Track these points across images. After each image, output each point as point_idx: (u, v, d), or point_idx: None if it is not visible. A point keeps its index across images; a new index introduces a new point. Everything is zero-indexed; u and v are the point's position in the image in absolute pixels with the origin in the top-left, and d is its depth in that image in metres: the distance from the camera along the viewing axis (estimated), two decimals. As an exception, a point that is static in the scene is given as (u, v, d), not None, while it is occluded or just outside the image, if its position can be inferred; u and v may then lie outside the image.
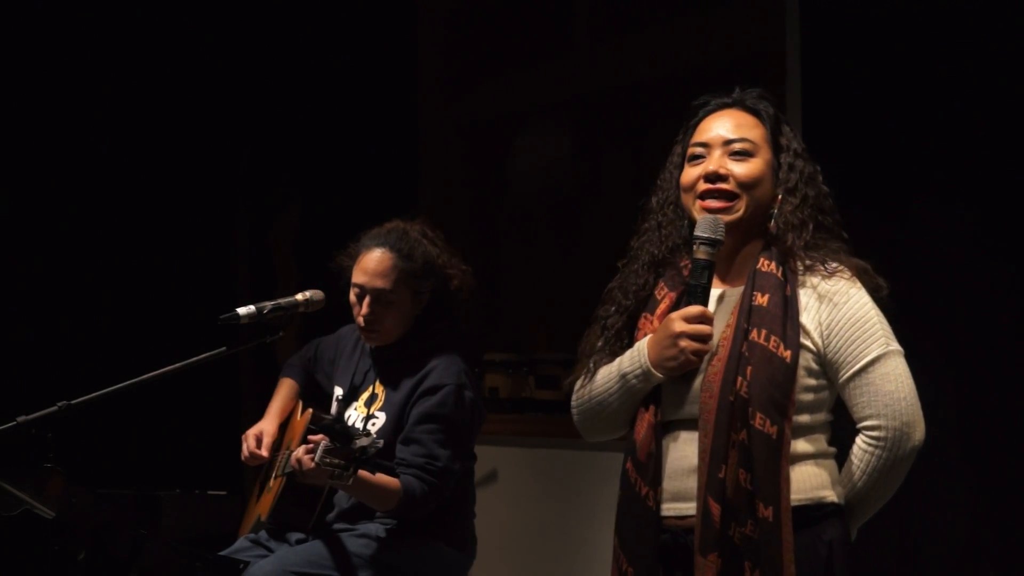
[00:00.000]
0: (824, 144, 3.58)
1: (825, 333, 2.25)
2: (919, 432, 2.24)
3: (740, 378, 2.19)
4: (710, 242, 2.23)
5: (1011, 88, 3.16)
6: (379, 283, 3.14)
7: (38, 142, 5.05)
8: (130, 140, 5.25)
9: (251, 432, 3.29)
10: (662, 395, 2.29)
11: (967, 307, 3.25)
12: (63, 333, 5.03)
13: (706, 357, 2.23)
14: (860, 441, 2.27)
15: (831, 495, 2.27)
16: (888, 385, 2.23)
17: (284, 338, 3.03)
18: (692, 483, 2.23)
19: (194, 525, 3.59)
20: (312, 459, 2.77)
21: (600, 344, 2.39)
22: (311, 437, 2.88)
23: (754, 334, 2.21)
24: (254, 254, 5.75)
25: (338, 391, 3.34)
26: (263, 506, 3.30)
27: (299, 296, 3.05)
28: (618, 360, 2.34)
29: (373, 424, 3.18)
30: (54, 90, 5.07)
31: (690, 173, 2.33)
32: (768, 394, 2.17)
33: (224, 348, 2.93)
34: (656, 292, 2.36)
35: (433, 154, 5.15)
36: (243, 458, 3.27)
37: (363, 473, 2.87)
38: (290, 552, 3.13)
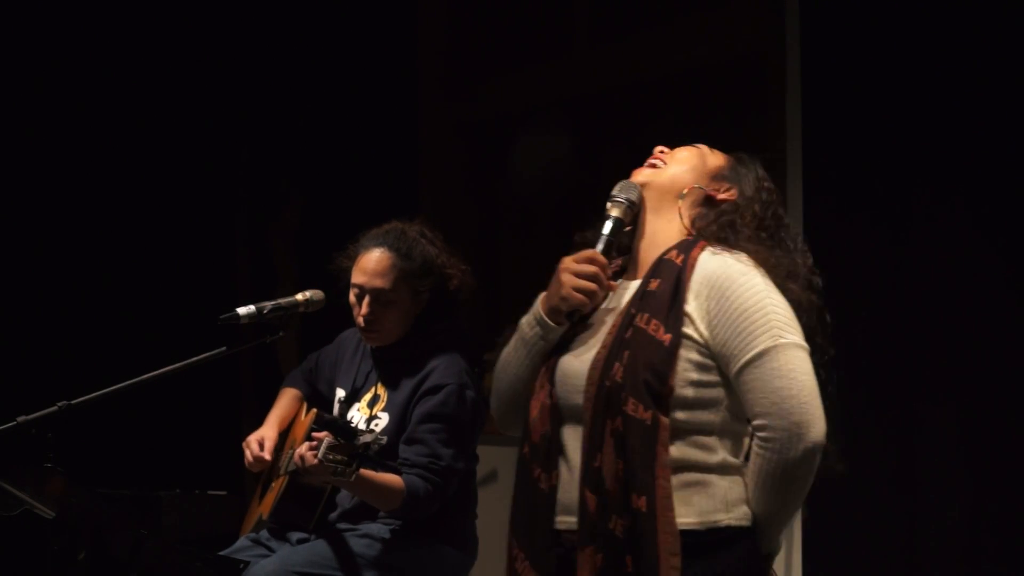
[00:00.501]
0: (824, 144, 3.59)
1: (713, 323, 2.09)
2: (814, 433, 2.03)
3: (617, 363, 2.07)
4: (621, 200, 2.23)
5: (1012, 87, 3.16)
6: (378, 283, 3.14)
7: (38, 143, 5.05)
8: (130, 140, 5.25)
9: (252, 438, 3.28)
10: (555, 377, 2.18)
11: (967, 306, 3.24)
12: (63, 333, 5.03)
13: (595, 342, 2.15)
14: (753, 445, 2.09)
15: (727, 518, 2.08)
16: (777, 381, 2.04)
17: (284, 338, 3.03)
18: None
19: (194, 525, 3.59)
20: (315, 455, 2.77)
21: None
22: (315, 435, 2.88)
23: (639, 319, 2.10)
24: (254, 254, 5.75)
25: (340, 393, 3.34)
26: (265, 505, 3.30)
27: (299, 296, 3.05)
28: (520, 324, 2.30)
29: (376, 425, 3.18)
30: (54, 90, 5.07)
31: None
32: (642, 379, 2.04)
33: (224, 348, 2.93)
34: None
35: (433, 154, 5.15)
36: (247, 464, 3.27)
37: (366, 472, 2.87)
38: (291, 552, 3.12)
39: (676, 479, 2.05)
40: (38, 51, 5.02)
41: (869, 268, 3.45)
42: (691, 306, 2.09)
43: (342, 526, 3.17)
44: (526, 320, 2.27)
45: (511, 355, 2.30)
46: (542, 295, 2.26)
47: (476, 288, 3.33)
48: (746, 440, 2.16)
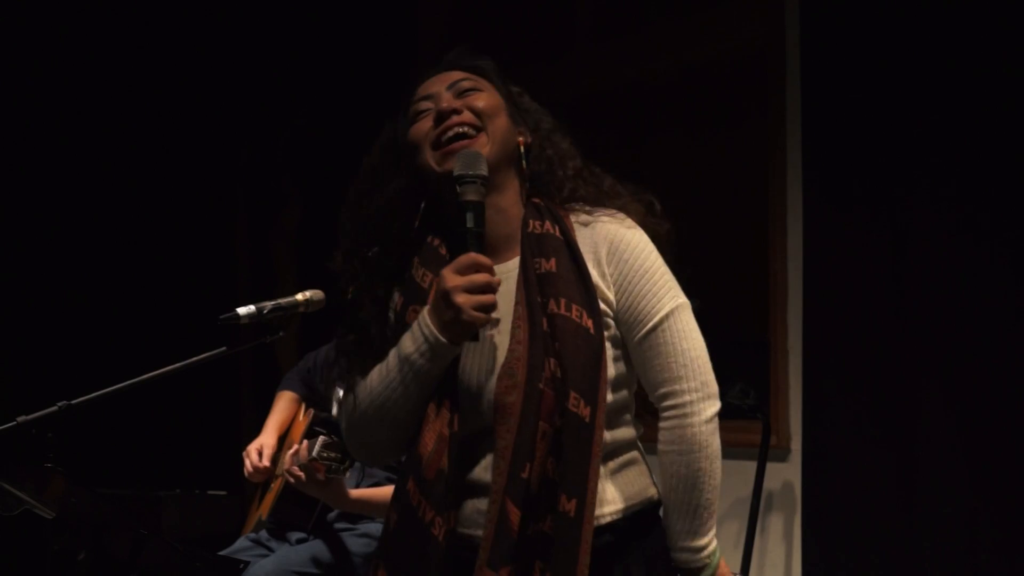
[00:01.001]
0: (824, 143, 3.59)
1: (617, 290, 1.94)
2: (715, 393, 1.94)
3: (551, 359, 1.85)
4: (472, 179, 1.88)
5: (1012, 85, 3.16)
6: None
7: (38, 143, 5.05)
8: (130, 140, 5.25)
9: (251, 447, 3.28)
10: (460, 401, 1.90)
11: (967, 306, 3.24)
12: (63, 333, 5.04)
13: (501, 340, 1.91)
14: (665, 418, 1.93)
15: (654, 491, 2.00)
16: (683, 343, 1.92)
17: (284, 338, 3.03)
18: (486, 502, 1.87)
19: (194, 525, 3.59)
20: (307, 458, 2.78)
21: (356, 358, 2.03)
22: (318, 430, 2.89)
23: (552, 305, 1.88)
24: (254, 254, 5.75)
25: (339, 393, 3.34)
26: (264, 506, 3.30)
27: (299, 296, 3.04)
28: (394, 349, 1.93)
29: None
30: (53, 90, 5.07)
31: (419, 127, 1.98)
32: (583, 372, 1.85)
33: (224, 348, 2.92)
34: (419, 282, 1.97)
35: (433, 154, 5.14)
36: (246, 474, 3.27)
37: (357, 491, 2.89)
38: (291, 551, 3.13)
39: (613, 463, 1.95)
40: (38, 51, 5.02)
41: (869, 267, 3.45)
42: (593, 275, 1.93)
43: (340, 526, 3.17)
44: (414, 349, 1.89)
45: (396, 396, 1.92)
46: (426, 312, 1.90)
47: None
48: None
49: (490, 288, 1.85)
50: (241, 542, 3.28)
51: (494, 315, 1.89)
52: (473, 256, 1.85)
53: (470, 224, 1.87)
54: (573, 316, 1.87)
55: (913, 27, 3.34)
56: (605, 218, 1.98)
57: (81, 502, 2.84)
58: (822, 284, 3.60)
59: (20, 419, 2.68)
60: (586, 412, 1.85)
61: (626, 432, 1.98)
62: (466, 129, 1.95)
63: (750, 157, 3.99)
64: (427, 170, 1.97)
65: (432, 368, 1.89)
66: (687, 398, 1.92)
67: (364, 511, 3.04)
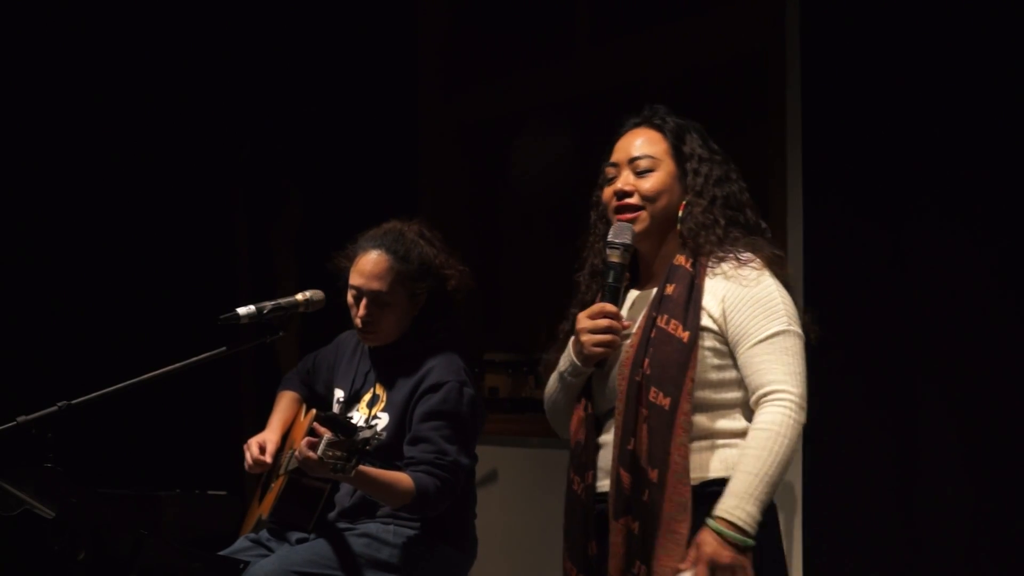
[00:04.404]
0: (824, 144, 3.59)
1: (728, 310, 2.42)
2: (805, 408, 2.36)
3: (646, 359, 2.40)
4: (617, 246, 2.47)
5: (1012, 88, 3.16)
6: (375, 285, 3.14)
7: (39, 143, 5.05)
8: (130, 140, 5.25)
9: (253, 441, 3.28)
10: (593, 389, 2.53)
11: (967, 306, 3.25)
12: (63, 333, 5.04)
13: (624, 345, 2.46)
14: (767, 405, 2.35)
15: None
16: (788, 357, 2.38)
17: (284, 338, 3.03)
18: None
19: (194, 525, 3.58)
20: (315, 454, 2.77)
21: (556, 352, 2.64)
22: (316, 426, 2.88)
23: (660, 320, 2.42)
24: (254, 254, 5.75)
25: (339, 393, 3.34)
26: (264, 505, 3.30)
27: (299, 296, 3.05)
28: (560, 361, 2.59)
29: (376, 425, 3.18)
30: (53, 90, 5.07)
31: (606, 192, 2.59)
32: (664, 371, 2.38)
33: (224, 348, 2.93)
34: (597, 297, 2.56)
35: (433, 154, 5.15)
36: (247, 467, 3.26)
37: (368, 468, 2.88)
38: (291, 551, 3.13)
39: (709, 442, 2.41)
40: (38, 51, 5.03)
41: (869, 268, 3.45)
42: (707, 300, 2.42)
43: (341, 525, 3.17)
44: (565, 368, 2.56)
45: (558, 397, 2.61)
46: (571, 344, 2.54)
47: (475, 288, 3.34)
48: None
49: (611, 330, 2.43)
50: (241, 542, 3.28)
51: (632, 325, 2.47)
52: (602, 305, 2.45)
53: (610, 279, 2.46)
54: (669, 329, 2.40)
55: (914, 28, 3.35)
56: (743, 259, 2.46)
57: (81, 502, 2.84)
58: (822, 285, 3.59)
59: (20, 419, 2.69)
60: (665, 402, 2.36)
61: (726, 424, 2.43)
62: (631, 208, 2.53)
63: (750, 159, 3.97)
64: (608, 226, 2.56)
65: (576, 381, 2.54)
66: (791, 398, 2.35)
67: (372, 491, 3.02)
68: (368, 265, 3.16)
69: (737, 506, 2.29)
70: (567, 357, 2.54)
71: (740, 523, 2.29)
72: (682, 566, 2.31)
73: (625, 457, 2.38)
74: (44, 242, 5.06)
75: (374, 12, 5.15)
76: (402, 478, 2.99)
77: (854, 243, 3.49)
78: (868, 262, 3.45)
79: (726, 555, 2.28)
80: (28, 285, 4.99)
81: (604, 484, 2.45)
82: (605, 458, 2.46)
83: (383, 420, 3.18)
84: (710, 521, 2.30)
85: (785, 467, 2.32)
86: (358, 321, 3.18)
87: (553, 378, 2.62)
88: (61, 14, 5.04)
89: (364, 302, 3.16)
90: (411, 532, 3.12)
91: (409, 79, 5.15)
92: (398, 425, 3.15)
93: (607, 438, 2.47)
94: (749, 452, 2.32)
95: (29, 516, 2.87)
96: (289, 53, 5.48)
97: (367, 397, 3.26)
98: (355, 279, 3.17)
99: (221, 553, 3.22)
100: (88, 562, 2.86)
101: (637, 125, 2.60)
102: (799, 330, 2.41)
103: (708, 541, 2.29)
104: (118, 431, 4.80)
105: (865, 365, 3.45)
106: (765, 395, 2.36)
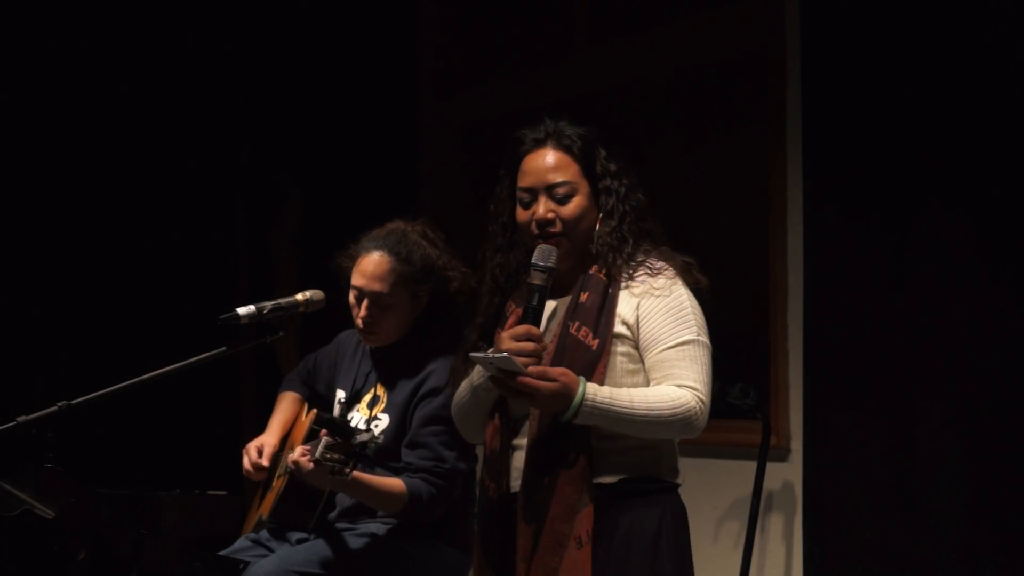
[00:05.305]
0: (824, 144, 3.59)
1: (642, 317, 2.47)
2: (704, 422, 2.41)
3: (560, 365, 2.41)
4: (543, 269, 2.47)
5: (1013, 89, 3.16)
6: (376, 286, 3.14)
7: (39, 143, 5.05)
8: (130, 140, 5.25)
9: (252, 444, 3.27)
10: (507, 405, 2.54)
11: (967, 306, 3.25)
12: (63, 333, 5.04)
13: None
14: (679, 389, 2.40)
15: (656, 471, 2.50)
16: (697, 365, 2.43)
17: (284, 338, 3.03)
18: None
19: (194, 525, 3.58)
20: (310, 459, 2.77)
21: (463, 361, 2.65)
22: (317, 428, 2.88)
23: (572, 327, 2.48)
24: (254, 254, 5.75)
25: (340, 394, 3.34)
26: (265, 506, 3.30)
27: (299, 296, 3.05)
28: (473, 372, 2.59)
29: (376, 426, 3.17)
30: (54, 90, 5.07)
31: (523, 215, 2.59)
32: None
33: (224, 348, 2.93)
34: (506, 308, 2.62)
35: (433, 154, 5.15)
36: (244, 471, 3.26)
37: (362, 474, 2.88)
38: (291, 551, 3.12)
39: (616, 443, 2.45)
40: (38, 51, 5.03)
41: (869, 267, 3.45)
42: (622, 307, 2.48)
43: (341, 525, 3.17)
44: (480, 383, 2.55)
45: (468, 408, 2.62)
46: None
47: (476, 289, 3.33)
48: None
49: (534, 353, 2.39)
50: (241, 542, 3.27)
51: (549, 332, 2.51)
52: (529, 328, 2.42)
53: (533, 302, 2.46)
54: (580, 336, 2.46)
55: (914, 28, 3.35)
56: (655, 269, 2.51)
57: (81, 502, 2.84)
58: (822, 284, 3.60)
59: (20, 419, 2.68)
60: None
61: None
62: (554, 235, 2.53)
63: (751, 158, 3.99)
64: (526, 247, 2.59)
65: (489, 395, 2.54)
66: (700, 396, 2.41)
67: (364, 497, 3.03)
68: (370, 266, 3.15)
69: (600, 392, 2.36)
70: (482, 371, 2.54)
71: (590, 398, 2.35)
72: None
73: (539, 459, 2.44)
74: (44, 242, 5.05)
75: (374, 12, 5.16)
76: (394, 485, 2.99)
77: (854, 243, 3.49)
78: (868, 262, 3.45)
79: (555, 392, 2.34)
80: (28, 285, 4.99)
81: (517, 484, 2.50)
82: (519, 458, 2.50)
83: (383, 421, 3.18)
84: (582, 384, 2.36)
85: (653, 427, 2.37)
86: (359, 322, 3.18)
87: (464, 387, 2.62)
88: (61, 14, 5.04)
89: (365, 303, 3.15)
90: (412, 533, 3.12)
91: (409, 79, 5.15)
92: (398, 427, 3.14)
93: (521, 441, 2.51)
94: (645, 390, 2.40)
95: (29, 516, 2.87)
96: (290, 53, 5.48)
97: (367, 397, 3.26)
98: (357, 280, 3.17)
99: (221, 553, 3.22)
100: (88, 562, 2.85)
101: (541, 143, 2.61)
102: (708, 341, 2.47)
103: (565, 382, 2.35)
104: (118, 431, 4.80)
105: (865, 363, 3.45)
106: (677, 384, 2.42)
